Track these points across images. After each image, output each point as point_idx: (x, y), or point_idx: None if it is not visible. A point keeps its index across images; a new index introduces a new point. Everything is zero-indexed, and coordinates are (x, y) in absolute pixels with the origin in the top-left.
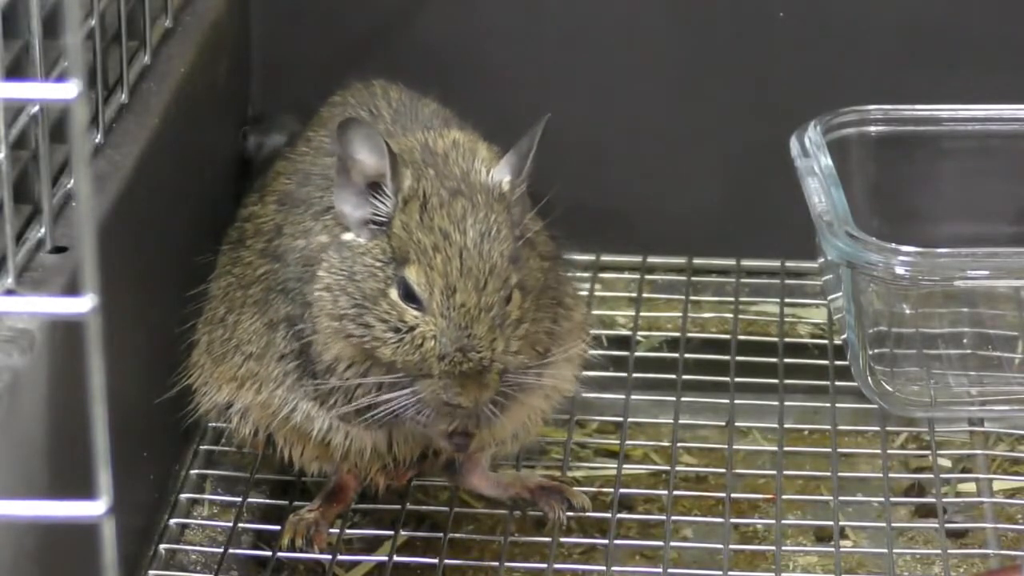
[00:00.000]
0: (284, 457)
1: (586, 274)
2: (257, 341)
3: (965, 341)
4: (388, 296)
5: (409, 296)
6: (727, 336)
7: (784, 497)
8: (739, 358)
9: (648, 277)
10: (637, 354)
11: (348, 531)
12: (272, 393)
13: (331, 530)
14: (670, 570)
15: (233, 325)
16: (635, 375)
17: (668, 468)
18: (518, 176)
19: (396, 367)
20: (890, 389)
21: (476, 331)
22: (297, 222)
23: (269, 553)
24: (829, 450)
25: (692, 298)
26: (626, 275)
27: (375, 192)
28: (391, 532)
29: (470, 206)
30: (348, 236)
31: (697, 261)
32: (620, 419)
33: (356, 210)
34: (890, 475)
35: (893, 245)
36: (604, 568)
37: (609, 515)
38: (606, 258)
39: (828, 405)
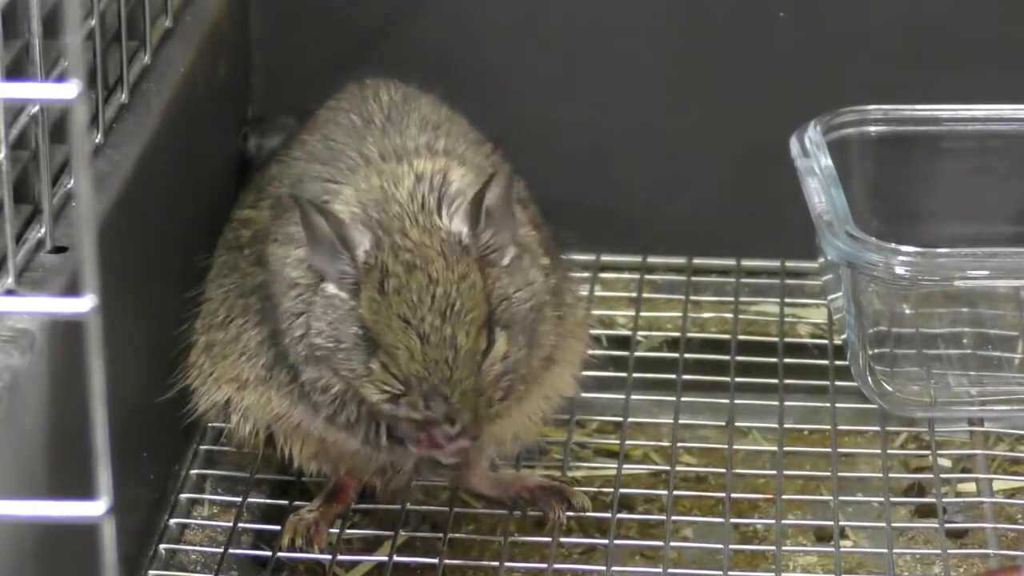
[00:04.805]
0: (284, 455)
1: (586, 274)
2: (257, 347)
3: (965, 341)
4: (373, 371)
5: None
6: (727, 336)
7: (784, 497)
8: (739, 358)
9: (648, 277)
10: (637, 354)
11: (348, 531)
12: (271, 394)
13: (331, 530)
14: (670, 570)
15: (232, 329)
16: (635, 375)
17: (668, 468)
18: (476, 227)
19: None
20: (890, 389)
21: (454, 399)
22: (282, 228)
23: (269, 553)
24: (829, 450)
25: (692, 298)
26: (626, 275)
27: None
28: (391, 532)
29: (426, 281)
30: (331, 289)
31: (697, 261)
32: (620, 419)
33: (331, 265)
34: (890, 475)
35: (893, 245)
36: (604, 568)
37: (609, 515)
38: (606, 258)
39: (828, 405)
